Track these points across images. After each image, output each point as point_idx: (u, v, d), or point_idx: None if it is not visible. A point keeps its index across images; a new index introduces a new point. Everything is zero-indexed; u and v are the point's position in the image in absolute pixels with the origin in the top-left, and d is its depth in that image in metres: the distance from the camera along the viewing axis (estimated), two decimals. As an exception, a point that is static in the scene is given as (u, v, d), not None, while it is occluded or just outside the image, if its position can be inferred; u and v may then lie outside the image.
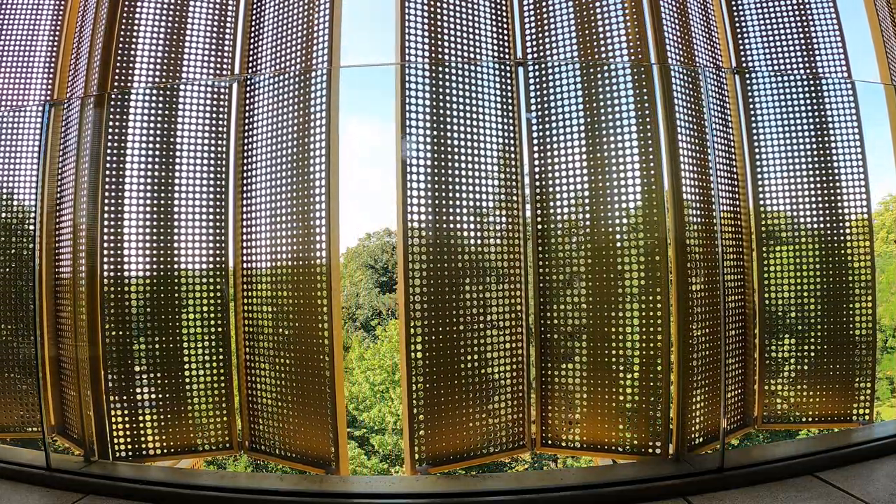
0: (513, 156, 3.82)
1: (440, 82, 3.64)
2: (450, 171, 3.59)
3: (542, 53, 3.91)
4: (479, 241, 3.66)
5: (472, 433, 3.54)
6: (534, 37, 3.94)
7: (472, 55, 3.83)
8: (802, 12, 4.22)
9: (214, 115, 3.91)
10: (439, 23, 3.76)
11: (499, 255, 3.71)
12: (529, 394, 3.72)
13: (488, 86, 3.79)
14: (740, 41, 4.23)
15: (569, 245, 3.67)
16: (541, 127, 3.80)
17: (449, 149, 3.61)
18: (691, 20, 4.04)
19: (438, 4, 3.78)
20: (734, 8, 4.27)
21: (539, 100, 3.82)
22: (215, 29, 4.07)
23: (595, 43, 3.73)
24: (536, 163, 3.80)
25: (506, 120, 3.82)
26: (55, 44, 4.38)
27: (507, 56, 3.95)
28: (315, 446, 3.51)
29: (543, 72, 3.83)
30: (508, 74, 3.86)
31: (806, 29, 4.16)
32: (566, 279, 3.68)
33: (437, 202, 3.53)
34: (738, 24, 4.25)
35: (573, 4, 3.82)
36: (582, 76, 3.68)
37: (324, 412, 3.44)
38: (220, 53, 4.08)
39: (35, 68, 4.32)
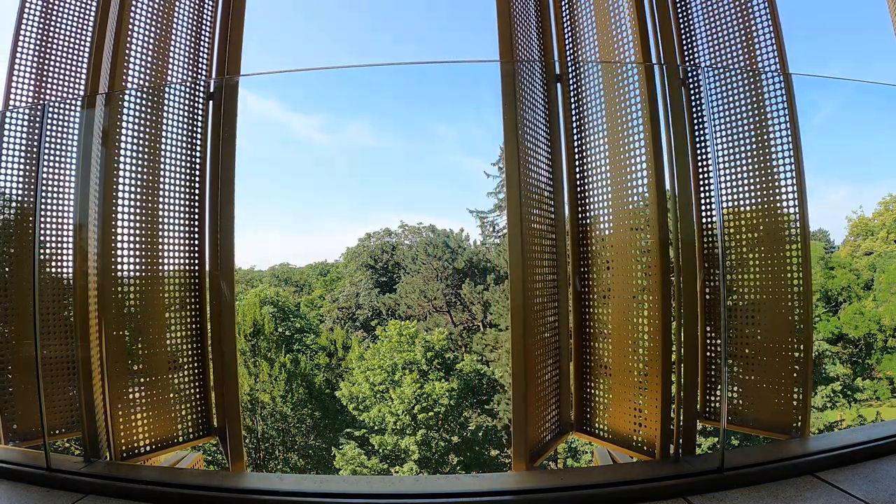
0: (551, 156, 3.97)
1: (518, 85, 3.65)
2: (523, 171, 3.63)
3: (575, 56, 4.04)
4: (538, 243, 3.73)
5: (544, 426, 3.67)
6: (570, 44, 4.14)
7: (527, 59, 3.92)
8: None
9: (191, 118, 3.99)
10: (515, 29, 3.81)
11: (549, 258, 3.81)
12: (569, 385, 3.89)
13: (537, 89, 3.90)
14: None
15: (595, 247, 3.80)
16: (578, 131, 3.93)
17: (523, 148, 3.64)
18: (693, 19, 4.05)
19: (514, 15, 3.84)
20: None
21: (576, 103, 3.96)
22: (193, 33, 4.14)
23: (609, 47, 3.79)
24: (577, 164, 3.93)
25: (549, 122, 3.98)
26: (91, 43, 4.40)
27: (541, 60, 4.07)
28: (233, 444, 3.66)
29: (577, 76, 3.94)
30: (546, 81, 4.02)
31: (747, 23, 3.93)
32: (574, 280, 3.79)
33: (522, 201, 3.58)
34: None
35: (594, 14, 3.91)
36: (604, 81, 3.74)
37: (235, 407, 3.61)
38: (196, 57, 4.15)
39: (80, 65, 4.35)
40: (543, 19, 4.19)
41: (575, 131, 3.98)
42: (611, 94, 3.67)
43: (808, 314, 3.50)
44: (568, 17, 4.16)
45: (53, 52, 4.19)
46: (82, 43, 4.31)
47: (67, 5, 4.28)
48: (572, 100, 4.01)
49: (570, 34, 4.15)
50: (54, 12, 4.21)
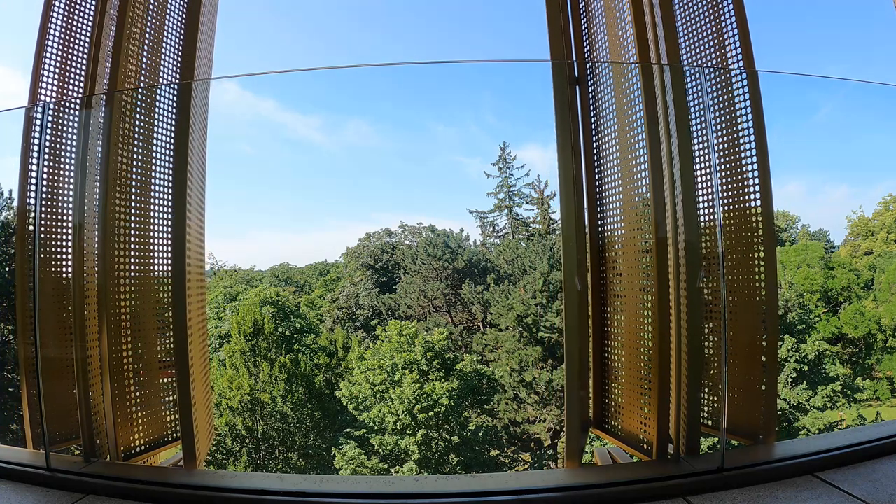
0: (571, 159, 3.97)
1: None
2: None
3: (592, 58, 4.07)
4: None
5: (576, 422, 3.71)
6: (587, 46, 4.17)
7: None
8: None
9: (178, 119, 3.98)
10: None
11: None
12: (588, 383, 3.93)
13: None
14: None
15: (608, 248, 3.85)
16: (596, 134, 3.97)
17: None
18: (677, 18, 4.04)
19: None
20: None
21: (593, 107, 3.99)
22: (183, 34, 4.13)
23: (616, 48, 3.81)
24: (595, 166, 3.97)
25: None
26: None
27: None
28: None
29: (594, 79, 3.96)
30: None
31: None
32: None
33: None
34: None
35: (605, 15, 3.93)
36: (614, 82, 3.74)
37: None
38: (181, 57, 4.14)
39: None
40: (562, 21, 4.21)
41: (594, 136, 4.01)
42: (619, 96, 3.68)
43: (774, 319, 3.46)
44: (585, 18, 4.16)
45: (75, 49, 4.17)
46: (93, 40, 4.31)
47: (89, 5, 4.29)
48: (590, 102, 4.02)
49: (587, 35, 4.15)
50: (76, 11, 4.20)
